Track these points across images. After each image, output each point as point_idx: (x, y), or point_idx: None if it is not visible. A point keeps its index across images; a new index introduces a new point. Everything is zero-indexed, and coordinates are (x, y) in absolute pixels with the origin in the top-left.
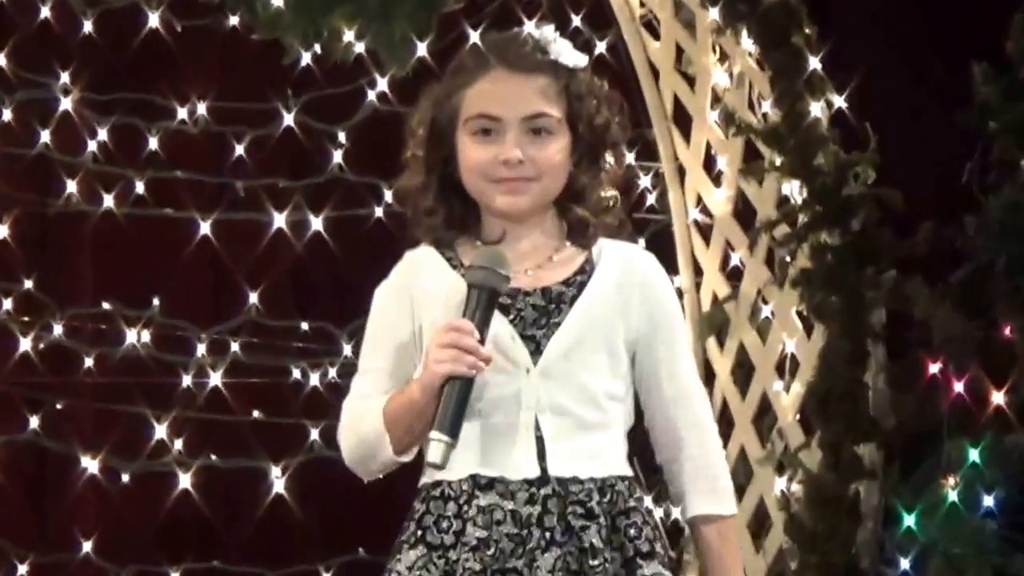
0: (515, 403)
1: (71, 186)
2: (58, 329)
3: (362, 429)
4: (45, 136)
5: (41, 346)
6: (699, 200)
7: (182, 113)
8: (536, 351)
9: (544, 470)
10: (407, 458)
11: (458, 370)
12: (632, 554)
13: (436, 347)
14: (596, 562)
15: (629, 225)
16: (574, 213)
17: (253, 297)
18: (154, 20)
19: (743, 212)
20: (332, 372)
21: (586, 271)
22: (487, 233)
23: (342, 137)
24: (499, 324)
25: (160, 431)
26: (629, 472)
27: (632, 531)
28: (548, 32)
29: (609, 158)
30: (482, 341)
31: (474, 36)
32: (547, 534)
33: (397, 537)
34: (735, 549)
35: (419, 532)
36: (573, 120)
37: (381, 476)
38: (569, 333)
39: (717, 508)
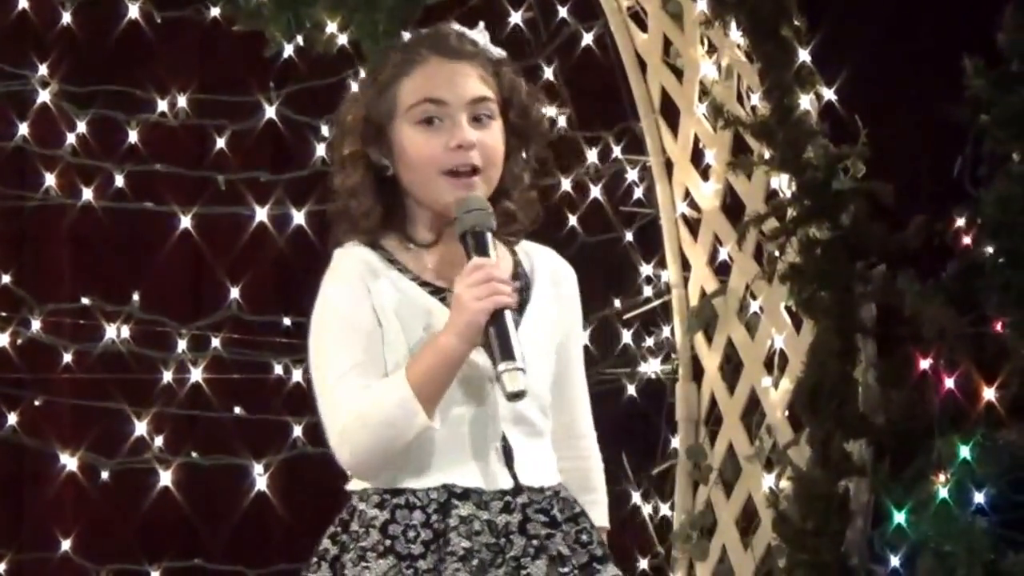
0: (481, 414)
1: (49, 179)
2: (36, 324)
3: (385, 410)
4: (23, 129)
5: (19, 342)
6: (687, 194)
7: (162, 106)
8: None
9: (516, 479)
10: (437, 423)
11: (502, 300)
12: (587, 560)
13: (469, 287)
14: (565, 569)
15: (540, 214)
16: (503, 206)
17: (235, 292)
18: (134, 11)
19: (731, 206)
20: None
21: (519, 275)
22: (419, 234)
23: (324, 130)
24: None
25: (140, 428)
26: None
27: (584, 536)
28: (469, 29)
29: (535, 150)
30: None
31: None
32: (533, 541)
33: (344, 543)
34: None
35: (387, 541)
36: (505, 109)
37: (395, 467)
38: (524, 341)
39: (604, 521)
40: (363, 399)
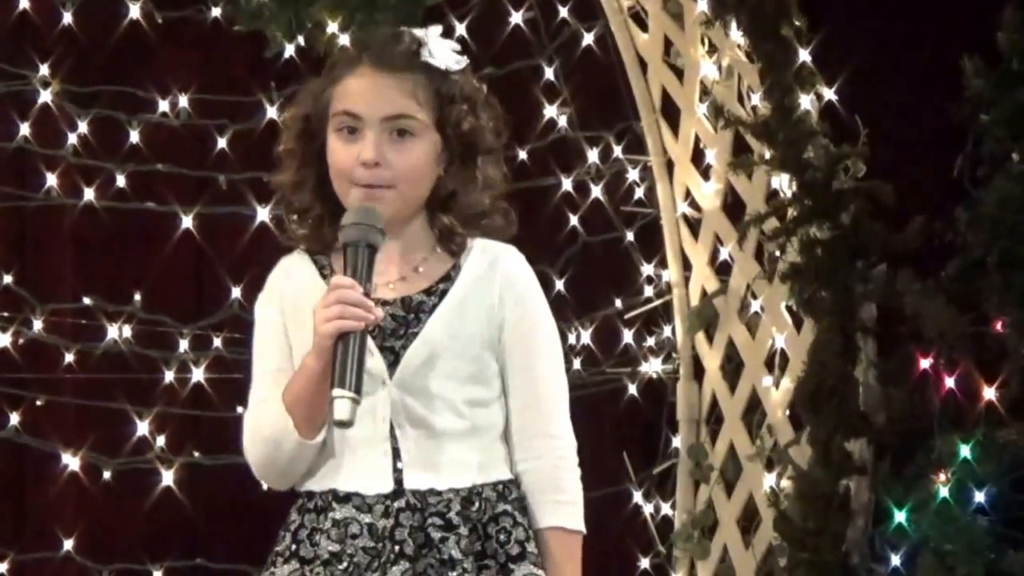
0: (371, 416)
1: (51, 180)
2: (38, 325)
3: (263, 426)
4: (24, 129)
5: (20, 342)
6: (688, 194)
7: (163, 106)
8: (394, 362)
9: (399, 483)
10: (317, 439)
11: (347, 324)
12: (505, 560)
13: (320, 308)
14: (454, 573)
15: (514, 224)
16: (441, 220)
17: (236, 292)
18: (135, 11)
19: (732, 206)
20: None
21: (450, 278)
22: None
23: None
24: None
25: (142, 428)
26: (504, 476)
27: (502, 536)
28: (430, 32)
29: (484, 163)
30: (366, 296)
31: (460, 28)
32: (396, 547)
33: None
34: (574, 565)
35: (293, 546)
36: (441, 124)
37: (298, 477)
38: (426, 343)
39: (560, 521)
40: (255, 414)
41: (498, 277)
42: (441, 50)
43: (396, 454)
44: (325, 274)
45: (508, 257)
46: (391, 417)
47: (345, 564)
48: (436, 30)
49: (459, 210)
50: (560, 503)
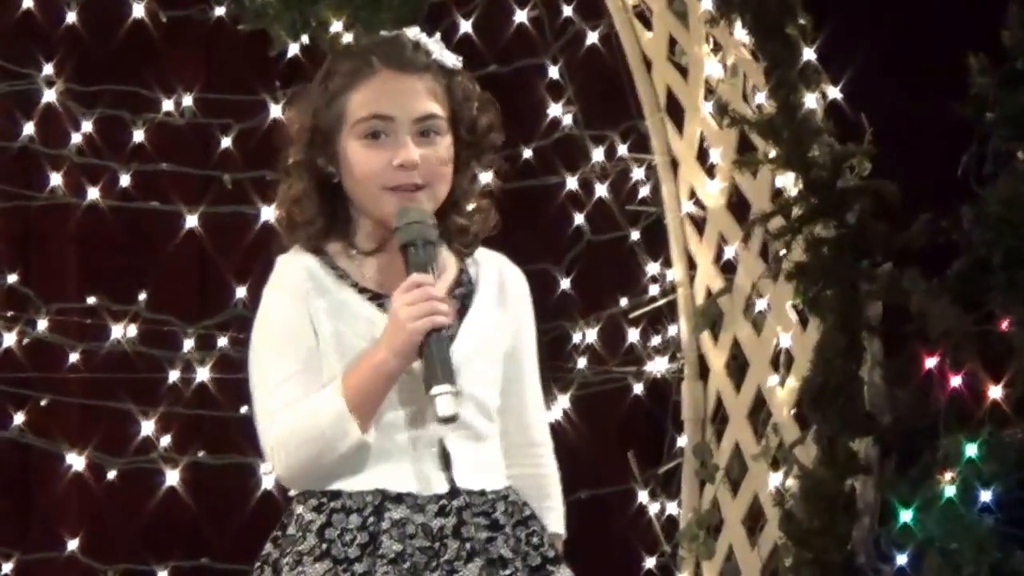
0: (419, 418)
1: (55, 179)
2: (42, 324)
3: (318, 425)
4: (28, 128)
5: (25, 341)
6: (692, 192)
7: (168, 105)
8: None
9: (453, 483)
10: (372, 437)
11: (439, 320)
12: (540, 562)
13: (406, 306)
14: (507, 572)
15: (493, 223)
16: (453, 221)
17: (241, 291)
18: (139, 10)
19: (737, 204)
20: None
21: (463, 282)
22: (362, 242)
23: None
24: None
25: (147, 427)
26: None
27: (535, 539)
28: (417, 32)
29: (483, 161)
30: None
31: (465, 25)
32: (467, 545)
33: (283, 546)
34: None
35: (323, 545)
36: (456, 122)
37: (331, 481)
38: (463, 346)
39: (560, 528)
40: (297, 412)
41: (510, 289)
42: (443, 50)
43: (445, 455)
44: (339, 275)
45: (516, 270)
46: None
47: (408, 564)
48: (415, 30)
49: (470, 208)
50: (549, 509)
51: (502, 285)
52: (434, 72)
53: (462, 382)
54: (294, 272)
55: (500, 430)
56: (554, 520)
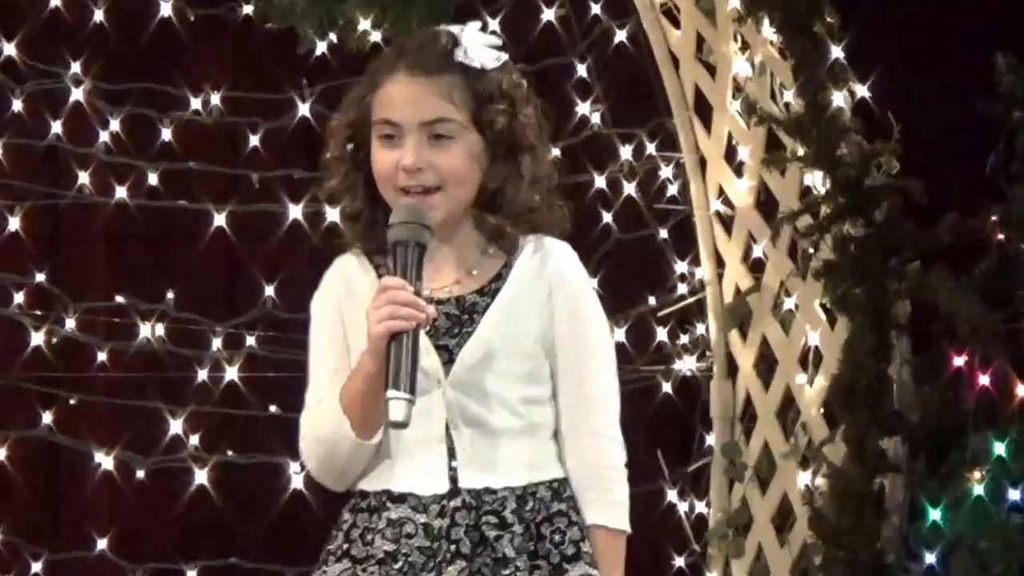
0: (427, 416)
1: (83, 177)
2: (71, 323)
3: (319, 426)
4: (56, 127)
5: (53, 340)
6: (721, 191)
7: (195, 103)
8: (449, 361)
9: (454, 482)
10: (374, 440)
11: (397, 325)
12: (559, 560)
13: (372, 309)
14: (507, 571)
15: (567, 219)
16: (488, 221)
17: (269, 290)
18: (166, 9)
19: (765, 203)
20: None
21: (502, 277)
22: None
23: None
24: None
25: (175, 426)
26: (558, 474)
27: (556, 536)
28: (467, 29)
29: (529, 160)
30: (417, 295)
31: (492, 24)
32: (453, 547)
33: (326, 544)
34: (617, 563)
35: (345, 545)
36: (480, 123)
37: (355, 477)
38: (480, 342)
39: (604, 520)
40: (313, 415)
41: (548, 273)
42: (477, 48)
43: (451, 454)
44: (381, 273)
45: (558, 253)
46: (446, 417)
47: (400, 564)
48: (474, 26)
49: (506, 208)
50: (605, 502)
51: (539, 275)
52: (454, 73)
53: (477, 378)
54: (331, 274)
55: (556, 422)
56: (593, 512)
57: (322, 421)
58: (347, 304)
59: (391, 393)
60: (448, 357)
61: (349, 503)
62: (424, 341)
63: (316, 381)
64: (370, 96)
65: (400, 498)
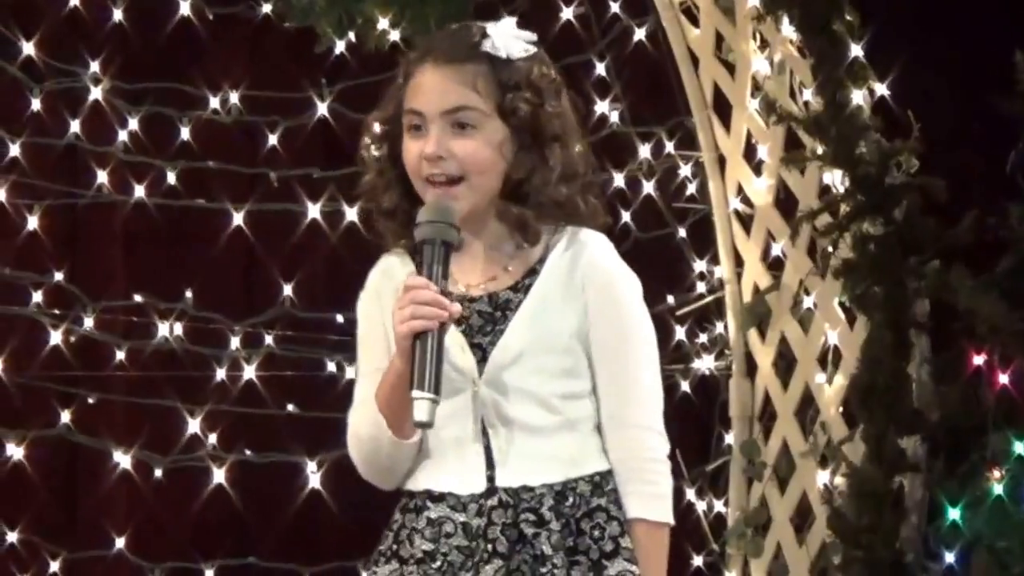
0: (464, 415)
1: (102, 177)
2: (89, 322)
3: (361, 426)
4: (75, 126)
5: (72, 339)
6: (740, 189)
7: (214, 102)
8: (483, 359)
9: (491, 481)
10: (412, 439)
11: (418, 324)
12: (598, 556)
13: (397, 308)
14: (544, 569)
15: (602, 214)
16: (511, 212)
17: (287, 289)
18: (185, 8)
19: (784, 202)
20: None
21: (537, 271)
22: None
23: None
24: (448, 334)
25: (193, 425)
26: (600, 467)
27: (596, 532)
28: (499, 23)
29: (558, 151)
30: (445, 294)
31: (510, 22)
32: (490, 546)
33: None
34: (659, 555)
35: (395, 545)
36: (504, 112)
37: (402, 475)
38: (512, 340)
39: (646, 513)
40: (356, 414)
41: (582, 266)
42: (504, 38)
43: (488, 452)
44: (420, 266)
45: (592, 244)
46: (482, 415)
47: (439, 563)
48: (508, 21)
49: (532, 198)
50: (646, 495)
51: (573, 268)
52: (480, 62)
53: (511, 376)
54: (374, 273)
55: (597, 415)
56: (634, 505)
57: (363, 421)
58: (388, 303)
59: (415, 393)
60: (482, 356)
61: (400, 503)
62: (459, 340)
63: (362, 380)
64: (403, 90)
65: (440, 497)
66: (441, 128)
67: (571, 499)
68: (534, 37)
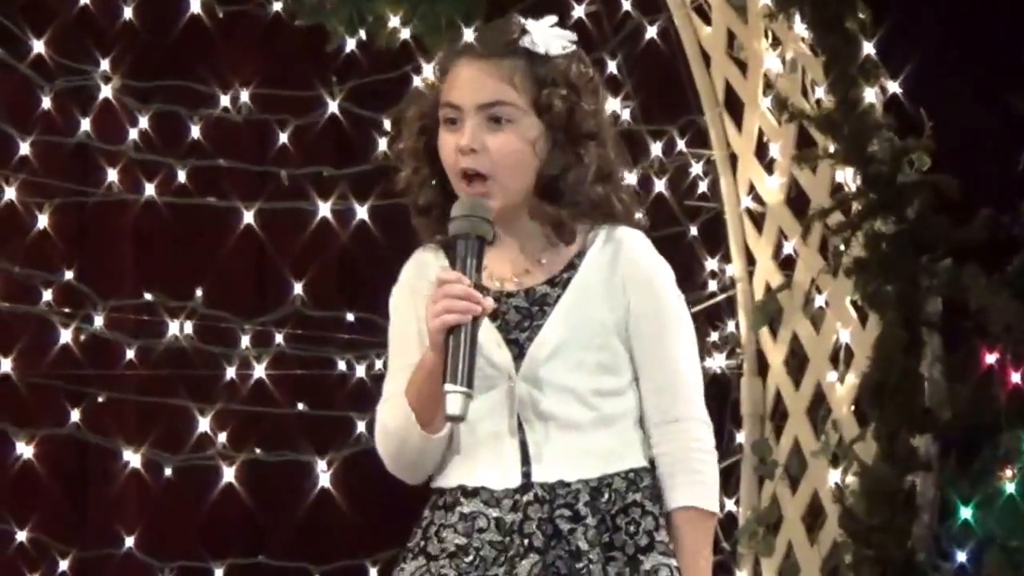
0: (500, 410)
1: (112, 175)
2: (99, 321)
3: (390, 420)
4: (85, 124)
5: (82, 338)
6: (751, 188)
7: (224, 100)
8: (520, 355)
9: (527, 477)
10: (441, 433)
11: (453, 319)
12: (634, 551)
13: (429, 304)
14: (580, 564)
15: (638, 212)
16: (546, 210)
17: (298, 288)
18: (195, 5)
19: (796, 200)
20: (378, 363)
21: (575, 266)
22: None
23: (387, 124)
24: (484, 330)
25: (203, 424)
26: (637, 463)
27: (631, 527)
28: (540, 21)
29: (594, 150)
30: (478, 288)
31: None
32: (526, 541)
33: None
34: (706, 544)
35: (422, 542)
36: (539, 108)
37: (429, 470)
38: (550, 335)
39: (695, 501)
40: (384, 408)
41: (621, 262)
42: (543, 35)
43: (524, 448)
44: (455, 261)
45: (631, 241)
46: (518, 411)
47: (472, 557)
48: (549, 19)
49: (567, 197)
50: (693, 484)
51: (614, 264)
52: (517, 57)
53: (548, 371)
54: (407, 268)
55: (639, 410)
56: (682, 495)
57: (392, 415)
58: (422, 298)
59: (448, 387)
60: (519, 351)
61: (430, 500)
62: (494, 336)
63: (392, 375)
64: (439, 84)
65: (473, 493)
66: (476, 122)
67: (607, 495)
68: (573, 36)
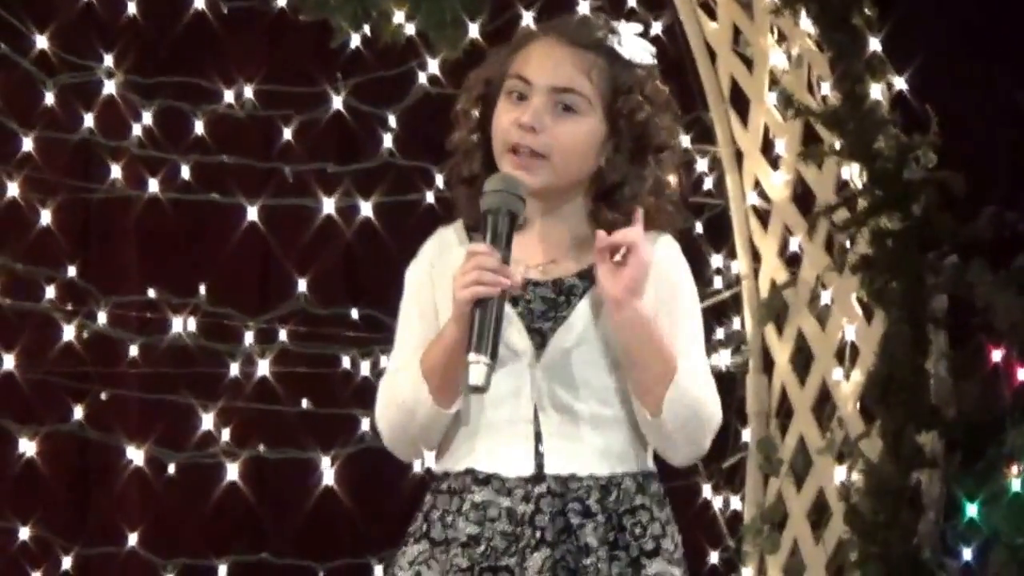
0: (516, 397)
1: (115, 171)
2: (102, 317)
3: (398, 392)
4: (89, 120)
5: (85, 335)
6: (757, 184)
7: (228, 97)
8: (542, 344)
9: (540, 467)
10: (451, 408)
11: (482, 291)
12: (637, 554)
13: (460, 273)
14: (588, 561)
15: (680, 223)
16: (604, 214)
17: (302, 284)
18: (200, 1)
19: (802, 196)
20: (383, 360)
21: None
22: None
23: (392, 121)
24: (506, 313)
25: (207, 421)
26: (646, 467)
27: (637, 530)
28: (627, 26)
29: (656, 163)
30: (505, 262)
31: (527, 17)
32: (538, 533)
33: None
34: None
35: (424, 527)
36: (613, 111)
37: (425, 450)
38: (575, 327)
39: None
40: (391, 381)
41: (653, 267)
42: (631, 40)
43: (538, 437)
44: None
45: (660, 244)
46: (535, 399)
47: (483, 547)
48: (636, 27)
49: (623, 206)
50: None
51: None
52: (602, 54)
53: (570, 363)
54: (428, 245)
55: None
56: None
57: (401, 387)
58: (439, 273)
59: (472, 356)
60: (541, 341)
61: (431, 485)
62: (517, 322)
63: (400, 348)
64: (512, 55)
65: (484, 480)
66: (544, 103)
67: (615, 494)
68: (655, 50)
